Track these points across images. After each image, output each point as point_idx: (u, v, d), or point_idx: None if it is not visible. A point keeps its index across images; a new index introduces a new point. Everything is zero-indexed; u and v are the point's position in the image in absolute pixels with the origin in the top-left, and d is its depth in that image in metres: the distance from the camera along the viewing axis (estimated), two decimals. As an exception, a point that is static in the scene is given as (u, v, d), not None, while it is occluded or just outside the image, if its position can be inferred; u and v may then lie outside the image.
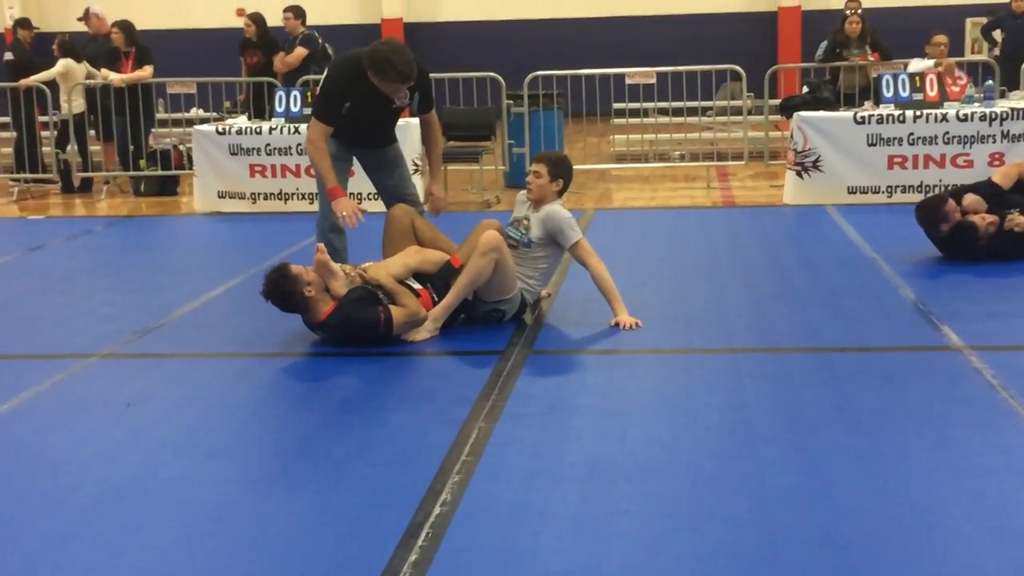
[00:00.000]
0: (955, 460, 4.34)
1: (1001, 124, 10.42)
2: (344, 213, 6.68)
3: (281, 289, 6.06)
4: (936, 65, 11.74)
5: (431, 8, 22.42)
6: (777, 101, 13.49)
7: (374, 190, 7.43)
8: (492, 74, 12.75)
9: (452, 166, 12.11)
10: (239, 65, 14.36)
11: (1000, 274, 7.46)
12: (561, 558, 3.63)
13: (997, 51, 15.21)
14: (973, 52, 17.93)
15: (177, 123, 14.33)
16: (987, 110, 10.57)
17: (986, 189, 8.05)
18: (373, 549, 3.69)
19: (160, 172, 13.01)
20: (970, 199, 7.87)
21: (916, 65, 12.02)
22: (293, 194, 11.35)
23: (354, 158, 7.25)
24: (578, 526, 3.86)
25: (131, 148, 13.09)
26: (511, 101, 12.59)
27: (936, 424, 4.74)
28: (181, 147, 13.13)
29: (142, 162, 13.09)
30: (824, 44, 13.34)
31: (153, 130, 13.55)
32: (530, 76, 12.61)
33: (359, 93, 6.70)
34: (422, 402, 5.29)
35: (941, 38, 12.47)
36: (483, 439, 4.69)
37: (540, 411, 5.04)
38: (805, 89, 12.86)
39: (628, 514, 3.94)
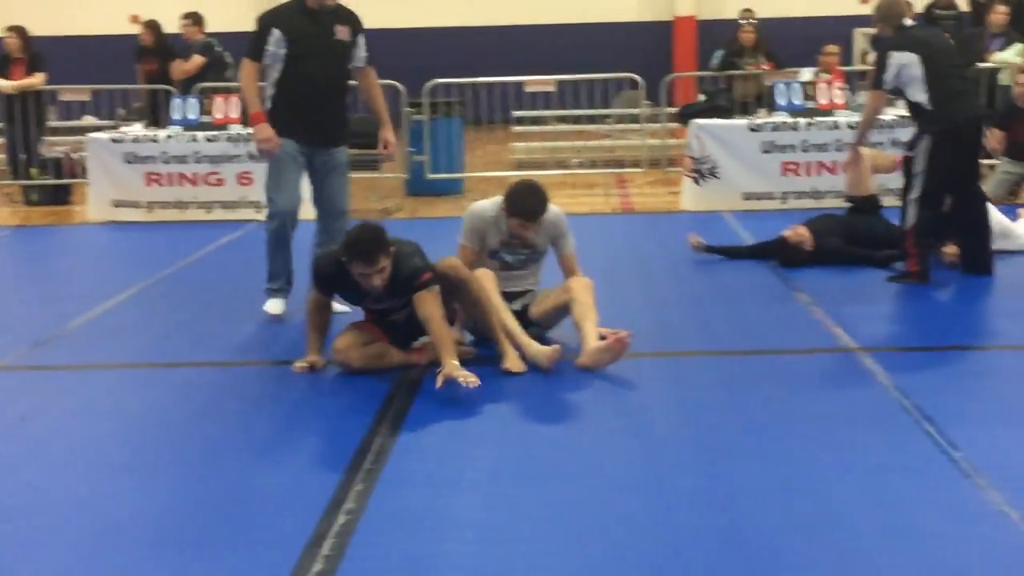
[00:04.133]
0: (851, 459, 4.43)
1: (891, 131, 10.66)
2: (260, 137, 6.62)
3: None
4: (820, 74, 11.99)
5: (329, 16, 22.29)
6: (674, 109, 13.66)
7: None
8: (392, 82, 12.71)
9: (351, 173, 12.01)
10: (134, 72, 14.14)
11: (880, 277, 7.64)
12: (467, 564, 3.64)
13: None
14: (862, 62, 18.33)
15: (70, 131, 14.04)
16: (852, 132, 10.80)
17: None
18: (277, 559, 3.66)
19: (53, 181, 12.75)
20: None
21: (807, 75, 12.27)
22: (190, 203, 11.20)
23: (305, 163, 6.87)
24: (483, 532, 3.87)
25: (22, 156, 12.80)
26: (411, 109, 12.57)
27: (832, 424, 4.84)
28: (74, 155, 12.88)
29: (33, 170, 12.81)
30: (720, 53, 13.55)
31: (45, 138, 13.27)
32: (430, 84, 12.61)
33: (292, 24, 6.62)
34: (325, 411, 5.26)
35: (832, 48, 12.74)
36: (386, 447, 4.68)
37: (443, 418, 5.04)
38: (701, 97, 13.05)
39: (532, 519, 3.97)
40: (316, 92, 6.70)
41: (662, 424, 4.91)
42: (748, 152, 10.94)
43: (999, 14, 12.36)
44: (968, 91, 7.67)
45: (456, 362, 5.27)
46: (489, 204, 6.14)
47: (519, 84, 13.52)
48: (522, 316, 6.09)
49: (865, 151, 8.48)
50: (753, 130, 10.95)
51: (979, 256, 7.52)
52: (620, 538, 3.79)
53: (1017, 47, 12.06)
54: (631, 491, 4.18)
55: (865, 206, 8.46)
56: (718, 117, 11.66)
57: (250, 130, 7.19)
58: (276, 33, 6.60)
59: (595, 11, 20.97)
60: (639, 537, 3.80)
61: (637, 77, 12.93)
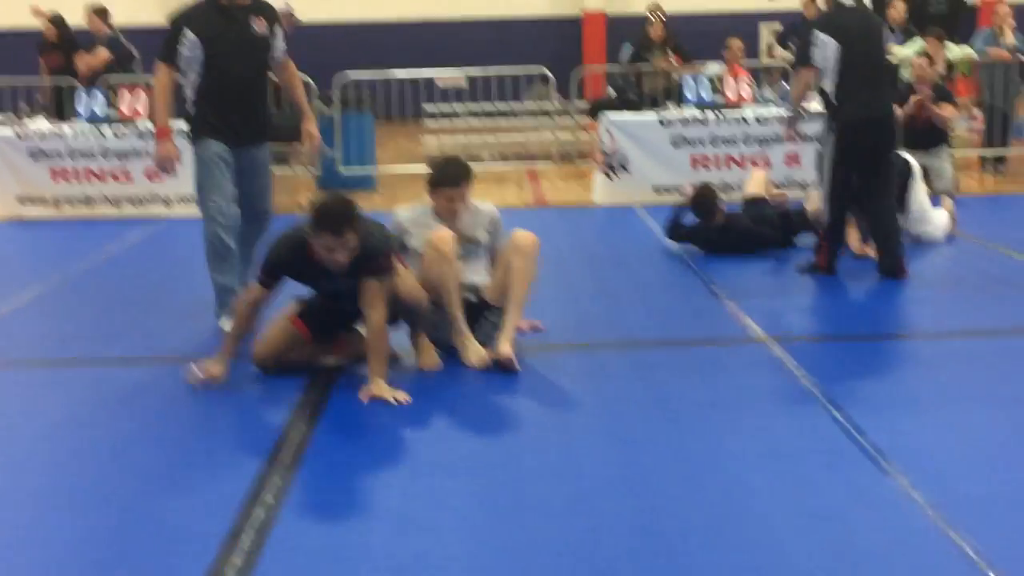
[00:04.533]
0: (762, 445, 4.53)
1: (797, 126, 10.85)
2: (160, 155, 6.52)
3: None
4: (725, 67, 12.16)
5: (237, 9, 22.06)
6: (585, 103, 13.76)
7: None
8: (302, 75, 12.62)
9: (263, 169, 11.96)
10: (36, 66, 13.87)
11: (788, 269, 7.81)
12: (388, 553, 3.66)
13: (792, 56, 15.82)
14: (768, 56, 18.61)
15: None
16: (783, 112, 11.01)
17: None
18: (197, 552, 3.65)
19: (-46, 177, 12.46)
20: None
21: (714, 68, 12.45)
22: (98, 199, 11.04)
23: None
24: (403, 522, 3.89)
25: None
26: (321, 103, 12.51)
27: (744, 412, 4.94)
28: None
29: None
30: (628, 47, 13.68)
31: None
32: (340, 78, 12.56)
33: (205, 24, 6.37)
34: (241, 405, 5.24)
35: (736, 42, 12.93)
36: (304, 440, 4.68)
37: (359, 411, 5.05)
38: (611, 92, 13.17)
39: (450, 508, 4.00)
40: (238, 91, 6.48)
41: (578, 414, 4.98)
42: (658, 146, 11.09)
43: (897, 10, 12.64)
44: (876, 90, 7.46)
45: (383, 382, 5.16)
46: (409, 206, 6.15)
47: (430, 79, 13.52)
48: (480, 305, 5.86)
49: (760, 174, 8.73)
50: (663, 124, 11.09)
51: (893, 260, 7.45)
52: (536, 524, 3.84)
53: (917, 42, 12.36)
54: (547, 479, 4.23)
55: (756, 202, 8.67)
56: (628, 111, 11.78)
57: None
58: (189, 35, 6.35)
59: (505, 6, 21.04)
60: (555, 523, 3.85)
61: (547, 71, 13.00)
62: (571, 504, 4.02)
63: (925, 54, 11.19)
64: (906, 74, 11.82)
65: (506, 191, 12.47)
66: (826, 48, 7.36)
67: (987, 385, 5.29)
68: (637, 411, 4.99)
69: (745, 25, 19.98)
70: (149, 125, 11.04)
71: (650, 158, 11.09)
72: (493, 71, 13.43)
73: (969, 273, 7.73)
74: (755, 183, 8.98)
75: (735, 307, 6.76)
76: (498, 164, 13.60)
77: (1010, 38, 12.58)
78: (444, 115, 15.04)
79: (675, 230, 8.59)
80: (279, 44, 6.67)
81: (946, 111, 10.73)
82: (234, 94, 6.46)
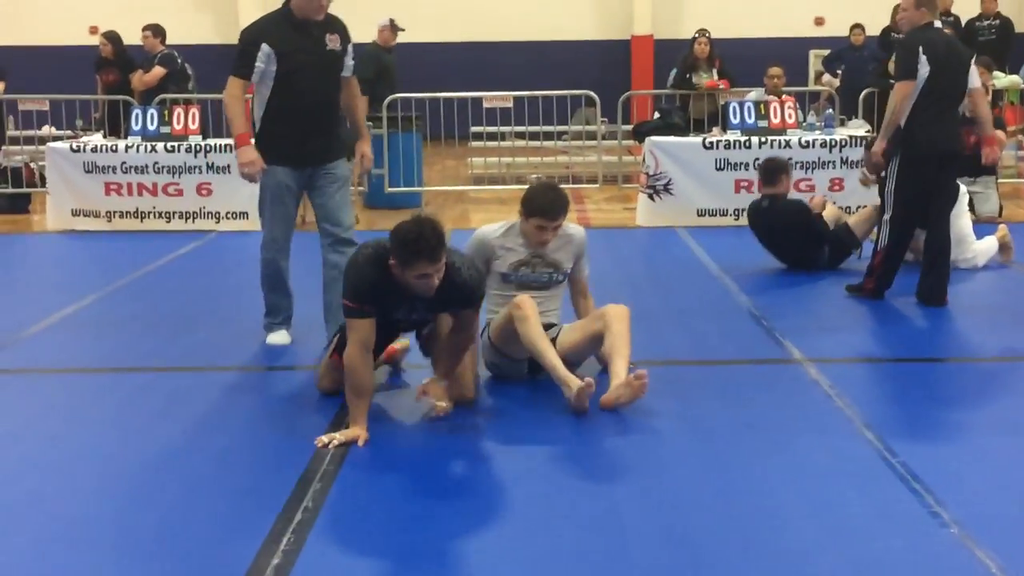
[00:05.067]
0: (793, 463, 4.60)
1: (840, 151, 10.91)
2: (243, 160, 6.25)
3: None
4: (770, 94, 12.21)
5: (289, 29, 22.34)
6: (630, 126, 13.86)
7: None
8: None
9: (311, 186, 12.14)
10: (94, 83, 14.16)
11: (833, 293, 7.84)
12: (423, 556, 3.76)
13: (838, 83, 15.87)
14: (816, 83, 18.63)
15: (29, 140, 14.04)
16: (827, 137, 11.06)
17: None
18: (237, 552, 3.76)
19: (11, 190, 12.75)
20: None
21: (755, 95, 12.50)
22: (149, 212, 11.24)
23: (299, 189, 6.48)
24: (439, 526, 3.99)
25: (-19, 165, 12.79)
26: (370, 123, 12.66)
27: (777, 431, 5.00)
28: (33, 165, 12.89)
29: (-8, 179, 12.81)
30: (675, 70, 13.78)
31: (4, 147, 13.27)
32: (389, 98, 12.73)
33: (281, 38, 6.20)
34: (282, 415, 5.36)
35: (776, 70, 12.98)
36: (343, 449, 4.79)
37: (399, 419, 5.16)
38: (656, 115, 13.25)
39: (485, 517, 4.10)
40: (311, 109, 6.29)
41: (611, 430, 5.05)
42: (702, 169, 11.14)
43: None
44: (951, 124, 7.34)
45: (440, 386, 5.15)
46: (494, 225, 5.84)
47: (477, 100, 13.67)
48: None
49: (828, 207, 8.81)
50: (707, 148, 11.15)
51: (937, 288, 7.39)
52: (568, 536, 3.93)
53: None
54: (579, 492, 4.32)
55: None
56: (673, 135, 11.86)
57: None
58: (265, 48, 6.15)
59: (554, 29, 21.17)
60: (586, 535, 3.93)
61: (593, 94, 13.11)
62: (601, 517, 4.10)
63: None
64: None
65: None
66: (922, 69, 7.16)
67: (1019, 409, 5.32)
68: (670, 427, 5.06)
69: (796, 50, 20.01)
70: (199, 140, 11.29)
71: (694, 181, 11.14)
72: (540, 93, 13.56)
73: (1010, 300, 7.73)
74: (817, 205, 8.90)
75: (774, 328, 6.81)
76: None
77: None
78: (491, 136, 15.17)
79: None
80: (349, 62, 6.48)
81: (993, 142, 10.74)
82: (308, 112, 6.29)
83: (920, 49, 7.15)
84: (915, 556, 3.74)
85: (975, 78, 7.42)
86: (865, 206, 9.19)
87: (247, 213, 11.08)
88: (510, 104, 13.70)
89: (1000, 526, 3.93)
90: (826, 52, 17.14)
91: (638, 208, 11.45)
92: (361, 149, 6.62)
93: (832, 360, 6.18)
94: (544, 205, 5.58)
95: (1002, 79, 12.79)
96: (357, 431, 4.83)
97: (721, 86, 13.36)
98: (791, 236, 8.61)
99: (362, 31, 8.81)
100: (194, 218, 11.23)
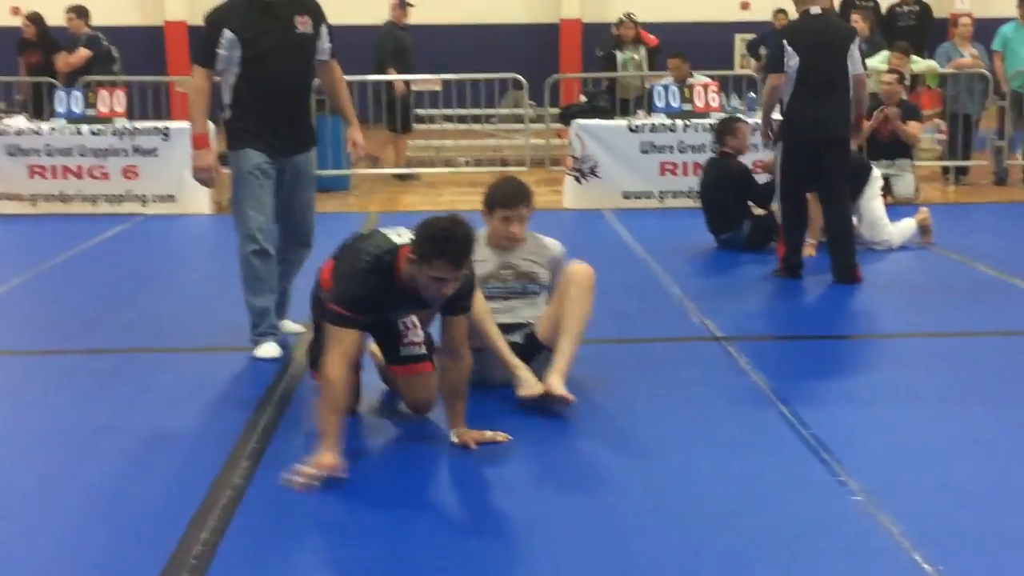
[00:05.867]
0: (710, 435, 4.76)
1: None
2: (199, 165, 5.92)
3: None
4: (677, 83, 12.41)
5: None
6: (558, 110, 13.98)
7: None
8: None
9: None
10: (16, 65, 14.02)
11: (753, 274, 8.07)
12: (347, 530, 3.85)
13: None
14: (741, 67, 18.88)
15: (-51, 123, 13.85)
16: (750, 121, 11.24)
17: None
18: (166, 530, 3.83)
19: (-68, 173, 12.58)
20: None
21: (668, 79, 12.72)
22: (74, 196, 11.18)
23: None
24: (368, 499, 4.09)
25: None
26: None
27: (695, 405, 5.15)
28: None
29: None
30: (601, 52, 13.99)
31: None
32: (317, 81, 12.70)
33: (245, 22, 5.81)
34: (211, 394, 5.42)
35: (674, 61, 13.20)
36: (271, 425, 4.87)
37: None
38: (583, 98, 13.39)
39: (410, 483, 4.20)
40: (280, 95, 5.92)
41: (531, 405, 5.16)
42: (628, 152, 11.31)
43: (857, 23, 12.89)
44: (830, 109, 7.54)
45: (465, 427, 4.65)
46: None
47: (406, 83, 13.71)
48: (530, 346, 5.31)
49: None
50: (632, 131, 11.31)
51: (846, 266, 7.64)
52: (479, 500, 4.04)
53: (883, 54, 12.62)
54: (497, 462, 4.43)
55: None
56: (599, 118, 12.00)
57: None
58: (227, 34, 5.77)
59: (483, 13, 21.23)
60: (503, 501, 4.06)
61: (521, 78, 13.21)
62: (518, 484, 4.24)
63: (893, 70, 11.46)
64: (872, 84, 12.05)
65: (479, 195, 12.64)
66: (790, 60, 7.52)
67: (924, 384, 5.53)
68: (594, 402, 5.18)
69: (721, 35, 20.29)
70: (125, 123, 11.24)
71: (620, 164, 11.31)
72: (469, 76, 13.63)
73: (923, 279, 7.97)
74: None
75: (694, 308, 6.97)
76: (472, 169, 13.79)
77: (969, 50, 12.90)
78: (420, 120, 15.22)
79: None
80: (324, 45, 6.09)
81: (912, 128, 11.07)
82: (277, 99, 5.91)
83: (784, 43, 7.56)
84: (824, 523, 3.90)
85: (858, 63, 7.66)
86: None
87: (174, 196, 11.09)
88: (439, 88, 13.75)
89: (902, 493, 4.11)
90: (751, 36, 17.37)
91: (565, 191, 11.58)
92: (352, 137, 6.18)
93: (749, 338, 6.35)
94: (505, 195, 5.35)
95: (920, 63, 13.06)
96: (331, 458, 4.21)
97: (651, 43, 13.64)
98: (715, 194, 8.91)
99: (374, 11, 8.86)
100: (120, 201, 11.18)
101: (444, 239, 4.19)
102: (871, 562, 3.60)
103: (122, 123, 11.25)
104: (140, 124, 11.41)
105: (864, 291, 7.52)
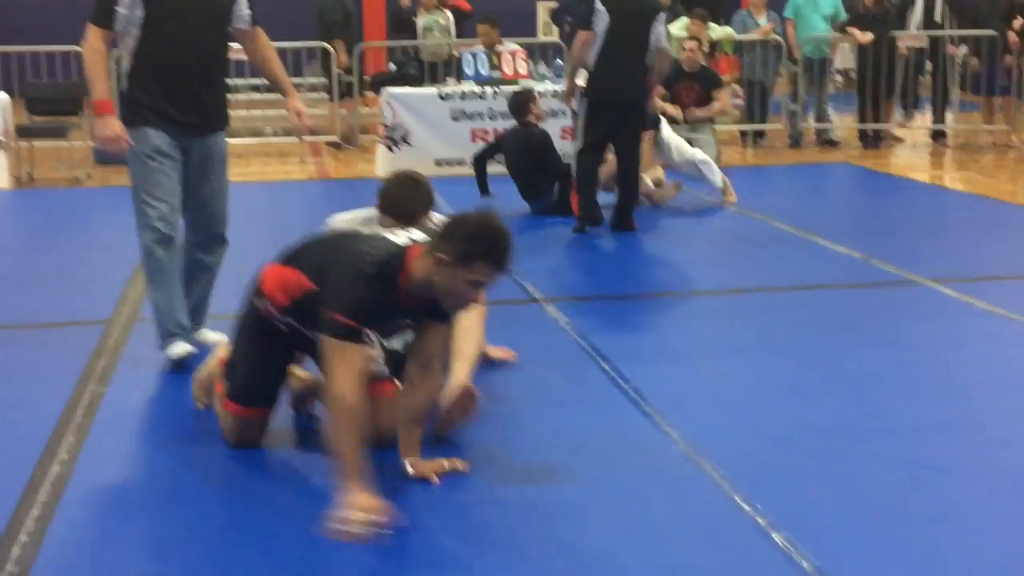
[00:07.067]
0: (537, 393, 4.90)
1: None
2: (104, 135, 5.16)
3: None
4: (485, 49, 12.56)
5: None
6: (366, 78, 13.95)
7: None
8: (77, 48, 12.41)
9: (38, 142, 11.75)
10: None
11: (564, 236, 8.32)
12: (175, 501, 3.86)
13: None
14: (545, 34, 19.13)
15: None
16: (557, 87, 11.46)
17: None
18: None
19: None
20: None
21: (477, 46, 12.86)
22: None
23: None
24: (188, 477, 4.09)
25: None
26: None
27: (521, 365, 5.28)
28: None
29: None
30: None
31: None
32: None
33: None
34: (32, 369, 5.31)
35: (482, 27, 13.34)
36: (96, 401, 4.80)
37: (152, 374, 5.18)
38: (392, 66, 13.38)
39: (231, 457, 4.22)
40: (187, 65, 5.20)
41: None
42: (439, 120, 11.39)
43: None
44: (632, 74, 8.14)
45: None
46: (350, 215, 5.14)
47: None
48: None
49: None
50: (443, 99, 11.39)
51: (625, 216, 8.34)
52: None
53: (682, 21, 13.00)
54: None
55: None
56: (409, 85, 12.05)
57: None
58: None
59: (284, -20, 20.93)
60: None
61: (328, 46, 13.13)
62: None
63: (692, 37, 11.82)
64: (673, 51, 12.40)
65: (290, 165, 12.57)
66: (599, 20, 8.01)
67: (732, 336, 5.82)
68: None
69: (524, 3, 20.50)
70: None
71: (431, 131, 11.38)
72: (275, 45, 13.46)
73: (725, 237, 8.32)
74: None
75: (514, 271, 7.07)
76: (280, 139, 13.65)
77: (762, 18, 13.43)
78: (226, 90, 14.96)
79: (480, 157, 9.55)
80: (243, 11, 5.46)
81: (722, 101, 11.50)
82: (183, 69, 5.20)
83: (597, 2, 8.02)
84: (651, 471, 4.06)
85: (662, 37, 8.26)
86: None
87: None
88: (244, 57, 13.51)
89: (720, 440, 4.33)
90: (554, 5, 17.60)
91: (377, 159, 11.59)
92: (293, 106, 5.58)
93: (566, 299, 6.53)
94: (401, 203, 4.83)
95: (717, 31, 13.51)
96: (370, 499, 3.58)
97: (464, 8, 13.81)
98: (522, 163, 9.14)
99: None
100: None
101: (489, 238, 3.68)
102: (696, 505, 3.79)
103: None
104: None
105: (670, 249, 7.88)
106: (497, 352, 5.23)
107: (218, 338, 5.34)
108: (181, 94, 5.21)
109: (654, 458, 4.20)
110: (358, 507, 3.52)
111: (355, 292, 3.69)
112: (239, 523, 3.68)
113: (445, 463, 4.03)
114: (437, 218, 4.90)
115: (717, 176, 9.50)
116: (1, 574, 3.34)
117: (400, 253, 3.79)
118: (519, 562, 3.41)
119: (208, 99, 5.35)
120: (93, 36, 5.15)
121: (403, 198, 4.83)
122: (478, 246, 3.66)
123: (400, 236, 3.93)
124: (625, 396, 4.85)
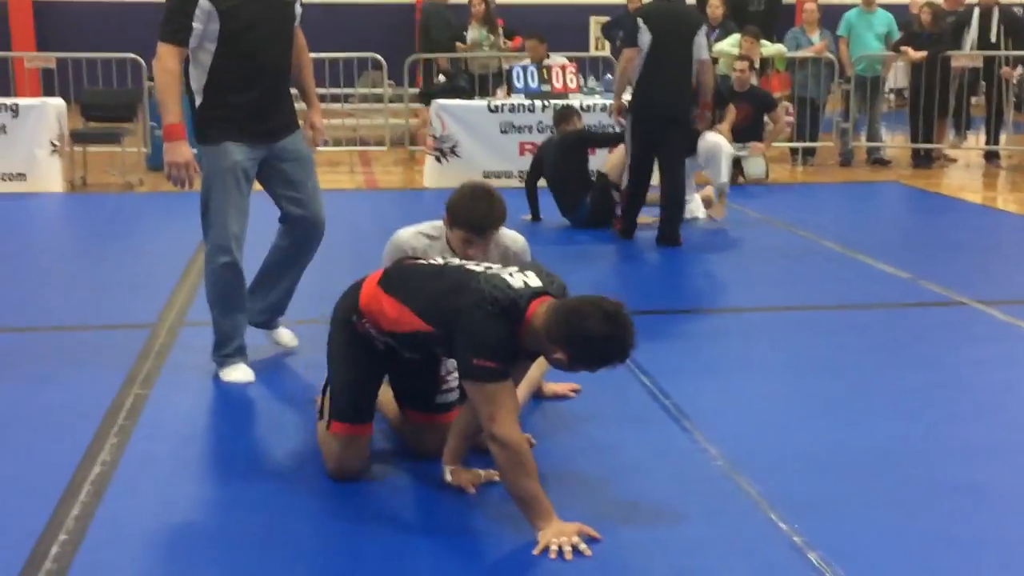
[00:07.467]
0: (575, 410, 4.89)
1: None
2: (176, 161, 4.99)
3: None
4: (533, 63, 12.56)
5: (63, -14, 21.58)
6: (416, 90, 14.02)
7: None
8: (132, 55, 12.58)
9: (92, 147, 11.92)
10: None
11: (605, 250, 8.38)
12: (218, 505, 3.88)
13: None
14: (596, 48, 19.15)
15: None
16: (607, 101, 11.46)
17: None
18: (37, 505, 3.80)
19: None
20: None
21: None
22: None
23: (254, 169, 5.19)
24: (228, 482, 4.12)
25: None
26: (152, 83, 12.43)
27: (560, 379, 5.25)
28: None
29: None
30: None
31: None
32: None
33: None
34: (77, 371, 5.36)
35: (531, 43, 13.36)
36: (139, 404, 4.85)
37: (195, 378, 5.23)
38: (442, 78, 13.44)
39: (270, 458, 4.24)
40: (266, 74, 5.08)
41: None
42: (487, 132, 11.44)
43: (714, 8, 13.25)
44: (676, 91, 8.24)
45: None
46: (415, 228, 4.85)
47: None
48: None
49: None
50: (492, 111, 11.43)
51: (671, 231, 8.35)
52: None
53: (734, 38, 12.96)
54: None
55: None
56: (458, 98, 12.10)
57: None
58: (203, 4, 4.87)
59: (338, -9, 21.11)
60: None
61: (379, 57, 13.21)
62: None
63: (743, 56, 11.76)
64: (723, 66, 12.38)
65: (339, 175, 12.64)
66: (643, 37, 8.16)
67: (775, 354, 5.80)
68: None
69: (576, 16, 20.51)
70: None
71: (479, 143, 11.43)
72: (327, 55, 13.55)
73: (770, 253, 8.27)
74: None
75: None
76: (331, 148, 13.74)
77: (815, 35, 13.36)
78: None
79: (529, 180, 9.47)
80: (298, 9, 5.26)
81: (778, 124, 11.46)
82: (262, 78, 5.07)
83: (640, 20, 8.23)
84: (687, 488, 4.05)
85: (703, 50, 8.34)
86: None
87: (24, 175, 10.85)
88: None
89: (759, 458, 4.30)
90: (606, 19, 17.63)
91: (425, 170, 11.64)
92: (311, 119, 5.41)
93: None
94: (474, 217, 4.52)
95: (769, 48, 13.44)
96: (564, 525, 3.66)
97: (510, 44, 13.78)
98: (558, 171, 9.15)
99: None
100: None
101: (616, 350, 3.69)
102: (732, 523, 3.77)
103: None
104: (-12, 99, 11.08)
105: (715, 265, 7.86)
106: (559, 388, 5.03)
107: (292, 339, 5.63)
108: (262, 104, 5.09)
109: (692, 474, 4.18)
110: (567, 534, 3.60)
111: (491, 334, 3.67)
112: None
113: (482, 474, 4.06)
114: (507, 235, 4.81)
115: (722, 177, 9.20)
116: (39, 572, 3.38)
117: (521, 304, 3.72)
118: (553, 574, 3.41)
119: (284, 104, 5.26)
120: (167, 55, 4.95)
121: (477, 212, 4.51)
122: (601, 361, 3.72)
123: (516, 278, 3.80)
124: (665, 412, 4.84)
